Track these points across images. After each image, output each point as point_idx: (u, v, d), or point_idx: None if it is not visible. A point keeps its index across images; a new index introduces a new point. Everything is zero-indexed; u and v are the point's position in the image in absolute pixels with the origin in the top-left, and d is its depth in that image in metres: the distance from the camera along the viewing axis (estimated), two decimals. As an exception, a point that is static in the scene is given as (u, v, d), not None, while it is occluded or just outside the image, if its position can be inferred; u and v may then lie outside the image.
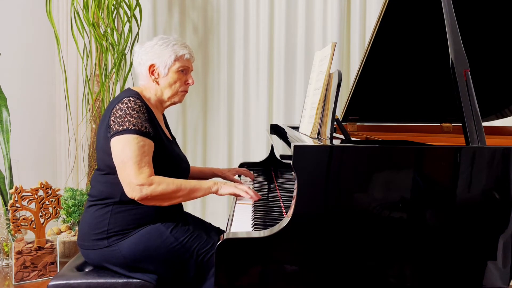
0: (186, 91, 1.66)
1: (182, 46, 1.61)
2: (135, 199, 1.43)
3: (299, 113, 2.94)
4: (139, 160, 1.42)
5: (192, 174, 1.90)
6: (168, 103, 1.65)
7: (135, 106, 1.47)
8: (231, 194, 1.55)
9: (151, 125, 1.49)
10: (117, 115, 1.46)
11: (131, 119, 1.44)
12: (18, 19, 3.02)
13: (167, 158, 1.53)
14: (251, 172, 2.11)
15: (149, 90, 1.62)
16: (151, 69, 1.59)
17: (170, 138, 1.67)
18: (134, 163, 1.41)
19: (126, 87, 2.93)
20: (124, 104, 1.47)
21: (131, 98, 1.48)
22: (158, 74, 1.59)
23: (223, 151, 3.15)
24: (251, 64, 3.10)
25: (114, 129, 1.45)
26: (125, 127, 1.44)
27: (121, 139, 1.43)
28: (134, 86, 1.64)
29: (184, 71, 1.63)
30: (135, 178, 1.41)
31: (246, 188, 1.56)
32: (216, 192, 1.52)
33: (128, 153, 1.42)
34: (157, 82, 1.60)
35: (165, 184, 1.43)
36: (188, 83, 1.65)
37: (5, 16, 2.95)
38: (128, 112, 1.45)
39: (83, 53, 2.82)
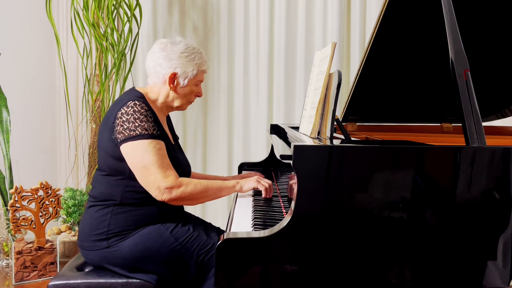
0: (192, 102, 1.68)
1: (204, 61, 1.62)
2: (165, 201, 1.45)
3: (299, 113, 2.94)
4: (161, 163, 1.44)
5: None
6: (174, 109, 1.66)
7: (142, 110, 1.46)
8: (253, 189, 1.63)
9: (158, 127, 1.50)
10: (124, 119, 1.45)
11: (142, 123, 1.45)
12: (18, 19, 3.02)
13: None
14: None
15: (158, 93, 1.60)
16: (172, 77, 1.57)
17: (173, 142, 1.67)
18: (158, 167, 1.43)
19: (126, 87, 2.93)
20: (130, 108, 1.46)
21: (136, 102, 1.47)
22: (177, 84, 1.59)
23: (223, 151, 3.15)
24: (251, 64, 3.10)
25: (126, 134, 1.44)
26: (138, 132, 1.44)
27: (136, 145, 1.44)
28: (138, 87, 1.63)
29: (198, 83, 1.64)
30: (163, 181, 1.43)
31: (266, 184, 1.63)
32: (240, 190, 1.61)
33: (148, 158, 1.43)
34: (175, 91, 1.59)
35: (193, 185, 1.47)
36: (197, 95, 1.67)
37: (5, 16, 2.95)
38: (136, 116, 1.45)
39: (83, 53, 2.82)
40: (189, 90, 1.62)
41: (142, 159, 1.43)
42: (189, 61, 1.57)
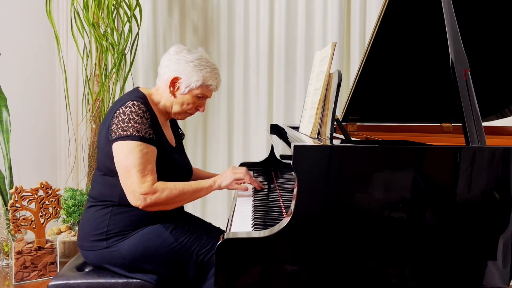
0: (192, 114, 1.67)
1: (213, 77, 1.60)
2: (139, 207, 1.43)
3: (299, 113, 2.94)
4: (143, 168, 1.42)
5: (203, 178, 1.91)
6: (172, 115, 1.65)
7: (139, 111, 1.46)
8: (234, 181, 1.61)
9: (154, 131, 1.49)
10: (120, 118, 1.45)
11: (135, 125, 1.44)
12: (18, 19, 3.02)
13: (166, 165, 1.52)
14: (262, 183, 1.91)
15: (161, 95, 1.60)
16: (174, 80, 1.57)
17: (173, 144, 1.66)
18: (138, 171, 1.41)
19: (126, 87, 2.93)
20: (128, 108, 1.46)
21: (135, 102, 1.47)
22: (177, 88, 1.58)
23: (223, 151, 3.15)
24: (251, 64, 3.10)
25: (117, 133, 1.44)
26: (128, 133, 1.43)
27: (124, 145, 1.43)
28: (142, 87, 1.63)
29: (202, 98, 1.63)
30: (139, 187, 1.41)
31: (244, 172, 1.62)
32: (219, 188, 1.58)
33: (132, 160, 1.41)
34: (174, 95, 1.59)
35: (169, 190, 1.45)
36: (198, 110, 1.65)
37: (5, 16, 2.94)
38: (132, 117, 1.44)
39: (83, 53, 2.82)
40: (189, 100, 1.59)
41: (126, 159, 1.42)
42: (196, 71, 1.56)
